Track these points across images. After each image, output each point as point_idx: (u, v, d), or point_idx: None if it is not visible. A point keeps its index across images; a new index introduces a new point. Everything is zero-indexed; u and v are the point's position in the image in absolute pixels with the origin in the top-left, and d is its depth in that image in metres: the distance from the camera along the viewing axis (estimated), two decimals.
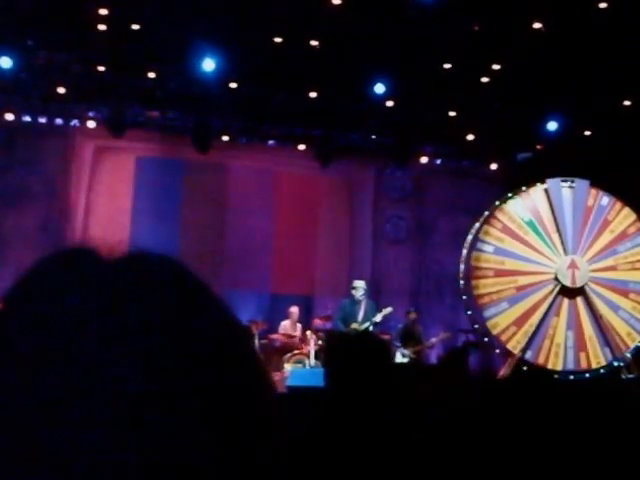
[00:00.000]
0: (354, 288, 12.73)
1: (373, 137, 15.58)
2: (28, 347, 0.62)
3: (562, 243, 12.62)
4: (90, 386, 0.60)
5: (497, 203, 12.79)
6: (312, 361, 12.63)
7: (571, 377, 12.04)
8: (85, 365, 0.61)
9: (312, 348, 12.78)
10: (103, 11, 11.42)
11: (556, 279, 12.49)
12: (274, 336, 13.54)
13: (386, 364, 2.89)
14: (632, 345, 12.63)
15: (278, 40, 12.17)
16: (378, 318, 12.57)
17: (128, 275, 0.68)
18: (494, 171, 16.34)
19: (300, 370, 12.24)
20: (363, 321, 12.47)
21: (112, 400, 0.60)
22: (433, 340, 14.02)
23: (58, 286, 0.67)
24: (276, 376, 11.96)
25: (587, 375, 12.33)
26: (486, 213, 12.73)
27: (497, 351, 12.48)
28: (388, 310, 12.84)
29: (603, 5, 11.13)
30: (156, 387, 0.62)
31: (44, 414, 0.59)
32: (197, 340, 0.66)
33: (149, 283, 0.68)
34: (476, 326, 12.66)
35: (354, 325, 12.43)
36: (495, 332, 12.36)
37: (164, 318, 0.65)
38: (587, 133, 14.76)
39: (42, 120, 14.21)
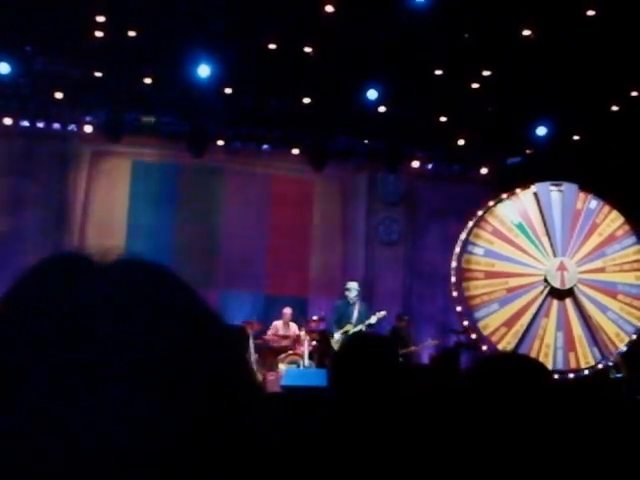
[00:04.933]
0: (347, 289, 12.75)
1: (366, 142, 15.63)
2: (20, 351, 0.65)
3: (551, 245, 12.69)
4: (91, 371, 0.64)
5: (487, 206, 12.87)
6: (306, 361, 12.64)
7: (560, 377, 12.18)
8: (78, 363, 0.64)
9: (306, 349, 12.80)
10: (100, 18, 11.44)
11: (545, 281, 12.55)
12: (268, 337, 13.60)
13: (395, 365, 2.87)
14: (620, 345, 12.70)
15: (272, 46, 12.21)
16: (372, 321, 12.56)
17: (119, 279, 0.71)
18: (484, 175, 16.40)
19: (294, 370, 12.26)
20: (357, 323, 12.48)
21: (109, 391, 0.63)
22: (420, 346, 14.20)
23: (51, 291, 0.69)
24: (271, 376, 12.00)
25: (576, 375, 12.45)
26: (476, 216, 12.81)
27: (484, 348, 12.52)
28: (382, 314, 12.82)
29: (591, 12, 11.23)
30: (148, 379, 0.65)
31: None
32: (177, 334, 0.69)
33: (138, 287, 0.71)
34: (465, 323, 12.72)
35: (348, 327, 12.47)
36: (486, 333, 12.43)
37: (155, 320, 0.68)
38: (576, 138, 14.85)
39: (40, 125, 14.19)
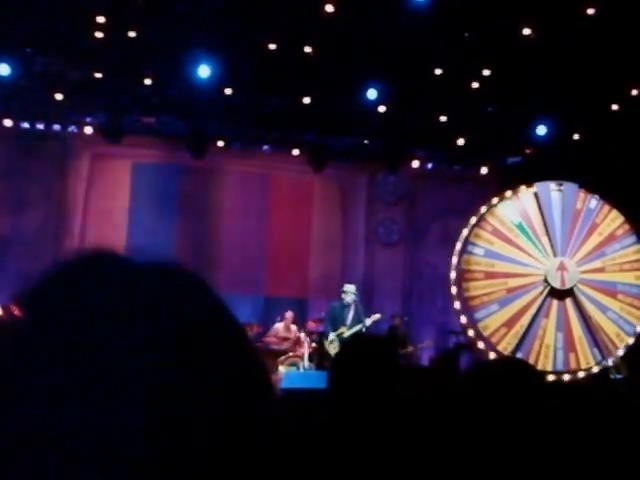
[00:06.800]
0: (344, 292, 12.76)
1: (365, 142, 15.68)
2: (54, 347, 0.65)
3: (551, 245, 12.66)
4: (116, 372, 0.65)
5: (487, 206, 12.86)
6: (306, 363, 12.68)
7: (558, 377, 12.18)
8: (110, 356, 0.65)
9: (306, 350, 12.83)
10: (100, 19, 11.46)
11: (545, 281, 12.54)
12: (268, 339, 13.61)
13: (396, 366, 2.86)
14: (621, 345, 12.70)
15: (272, 47, 12.23)
16: (367, 323, 12.58)
17: (154, 280, 0.73)
18: (484, 175, 16.44)
19: (294, 372, 12.27)
20: (352, 325, 12.51)
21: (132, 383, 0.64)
22: (418, 346, 14.24)
23: (88, 287, 0.69)
24: None
25: (576, 375, 12.43)
26: (476, 216, 12.80)
27: (484, 349, 12.51)
28: (377, 317, 12.88)
29: (591, 11, 11.24)
30: (171, 373, 0.66)
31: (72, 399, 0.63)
32: (210, 339, 0.71)
33: (173, 287, 0.73)
34: (464, 321, 12.71)
35: (342, 329, 12.49)
36: (486, 334, 12.41)
37: (185, 318, 0.70)
38: (576, 137, 14.86)
39: (40, 126, 14.28)
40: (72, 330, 0.66)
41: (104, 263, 0.73)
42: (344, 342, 11.84)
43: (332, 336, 12.38)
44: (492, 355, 12.16)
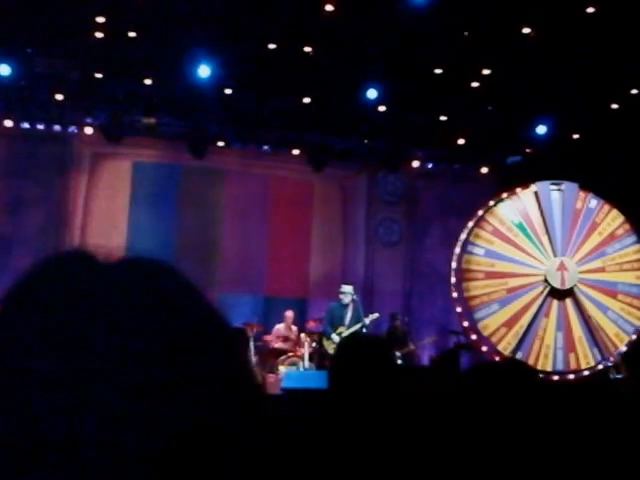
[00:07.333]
0: (342, 293, 12.78)
1: (366, 142, 15.66)
2: (26, 348, 0.65)
3: (551, 245, 12.67)
4: (89, 369, 0.65)
5: (487, 206, 12.86)
6: (306, 363, 12.69)
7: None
8: (79, 355, 0.65)
9: (306, 350, 12.84)
10: (100, 19, 11.46)
11: (546, 281, 12.55)
12: (269, 338, 13.62)
13: (392, 365, 2.88)
14: (620, 345, 12.70)
15: (272, 47, 12.23)
16: (366, 322, 12.60)
17: (122, 278, 0.72)
18: (485, 174, 16.42)
19: (294, 372, 12.27)
20: (350, 325, 12.54)
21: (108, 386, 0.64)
22: (418, 344, 14.24)
23: (55, 288, 0.69)
24: (271, 378, 12.01)
25: (576, 375, 12.43)
26: (476, 216, 12.80)
27: (484, 349, 12.51)
28: (375, 316, 12.91)
29: (591, 10, 11.24)
30: (141, 374, 0.66)
31: (49, 397, 0.63)
32: (179, 334, 0.70)
33: (141, 285, 0.72)
34: (465, 323, 12.70)
35: (341, 329, 12.51)
36: (486, 333, 12.41)
37: (153, 316, 0.69)
38: (575, 136, 14.87)
39: (40, 127, 14.24)
40: (37, 331, 0.66)
41: (75, 264, 0.73)
42: (340, 342, 11.82)
43: (334, 336, 12.40)
44: (491, 355, 12.18)
